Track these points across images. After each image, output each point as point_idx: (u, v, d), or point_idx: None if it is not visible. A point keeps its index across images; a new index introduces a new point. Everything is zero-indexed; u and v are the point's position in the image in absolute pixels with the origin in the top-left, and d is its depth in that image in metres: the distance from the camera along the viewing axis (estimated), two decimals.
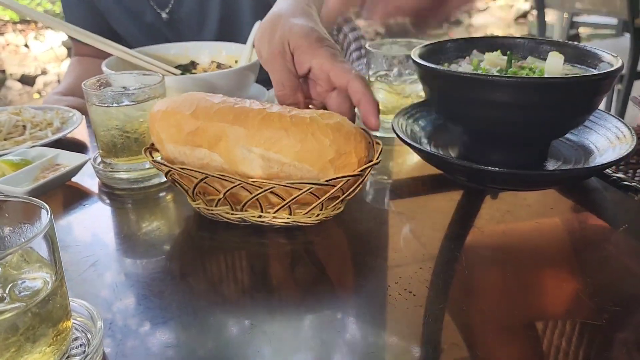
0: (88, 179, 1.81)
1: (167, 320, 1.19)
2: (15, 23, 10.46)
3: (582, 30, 9.21)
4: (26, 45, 10.44)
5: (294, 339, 1.10)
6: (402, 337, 1.07)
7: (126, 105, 1.64)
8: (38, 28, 10.32)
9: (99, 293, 1.29)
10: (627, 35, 4.74)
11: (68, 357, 1.06)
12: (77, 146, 2.08)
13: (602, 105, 1.49)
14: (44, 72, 10.00)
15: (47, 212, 0.96)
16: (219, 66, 2.30)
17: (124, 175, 1.71)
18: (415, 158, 1.87)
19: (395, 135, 1.62)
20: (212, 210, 1.32)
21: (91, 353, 1.03)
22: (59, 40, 9.71)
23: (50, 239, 0.96)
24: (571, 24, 6.82)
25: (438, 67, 1.48)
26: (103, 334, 1.09)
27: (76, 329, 1.12)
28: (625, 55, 4.67)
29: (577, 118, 1.48)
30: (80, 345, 1.09)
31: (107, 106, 1.63)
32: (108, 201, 1.70)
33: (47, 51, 10.50)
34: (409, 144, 1.56)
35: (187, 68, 2.31)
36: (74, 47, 2.45)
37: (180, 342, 1.12)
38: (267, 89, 2.30)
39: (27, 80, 9.94)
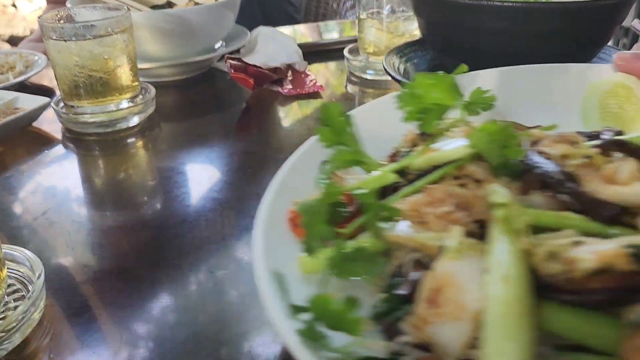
0: (51, 125, 1.67)
1: (122, 271, 1.06)
2: None
3: None
4: (14, 5, 10.16)
5: None
6: None
7: (87, 39, 1.48)
8: None
9: (49, 243, 1.16)
10: None
11: (4, 310, 0.93)
12: (45, 92, 1.92)
13: None
14: (32, 33, 9.75)
15: None
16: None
17: (88, 119, 1.57)
18: None
19: (385, 78, 1.48)
20: None
21: (28, 305, 0.90)
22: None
23: None
24: None
25: None
26: (44, 286, 0.96)
27: (15, 280, 0.99)
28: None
29: (587, 50, 1.33)
30: (22, 297, 0.96)
31: (66, 40, 1.47)
32: (72, 147, 1.56)
33: (35, 11, 10.23)
34: (403, 83, 1.42)
35: (163, 7, 2.14)
36: None
37: (133, 293, 1.00)
38: (250, 30, 2.15)
39: (16, 41, 9.68)
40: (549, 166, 0.77)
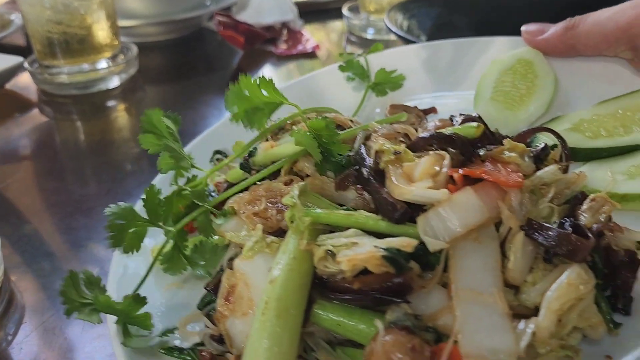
0: (27, 88, 1.56)
1: (92, 240, 1.02)
2: None
3: None
4: None
5: None
6: None
7: None
8: None
9: (14, 213, 1.08)
10: None
11: None
12: (22, 52, 1.79)
13: None
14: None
15: None
16: None
17: (65, 80, 1.46)
18: None
19: (387, 37, 1.39)
20: None
21: None
22: None
23: None
24: None
25: None
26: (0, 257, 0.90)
27: None
28: None
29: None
30: None
31: None
32: (48, 110, 1.45)
33: None
34: (407, 40, 1.35)
35: None
36: None
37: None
38: None
39: None
40: (363, 163, 0.77)
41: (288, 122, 0.91)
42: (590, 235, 0.68)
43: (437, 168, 0.73)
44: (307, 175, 0.84)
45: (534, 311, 0.65)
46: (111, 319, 0.74)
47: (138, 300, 0.75)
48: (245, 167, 0.90)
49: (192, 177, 0.87)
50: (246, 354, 0.64)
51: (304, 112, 0.87)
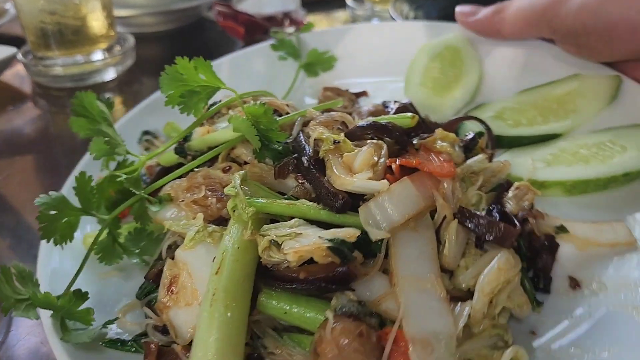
0: (21, 79, 1.54)
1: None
2: None
3: None
4: None
5: None
6: None
7: None
8: None
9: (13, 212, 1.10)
10: None
11: None
12: (17, 43, 1.82)
13: None
14: None
15: None
16: None
17: (60, 72, 1.47)
18: None
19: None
20: None
21: None
22: None
23: None
24: None
25: None
26: None
27: None
28: None
29: None
30: None
31: None
32: (43, 103, 1.48)
33: None
34: None
35: None
36: None
37: None
38: None
39: None
40: (303, 151, 0.78)
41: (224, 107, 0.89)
42: (517, 223, 0.73)
43: (376, 158, 0.75)
44: (245, 162, 0.84)
45: (467, 294, 0.70)
46: (45, 313, 0.71)
47: (79, 295, 0.73)
48: (181, 151, 0.89)
49: (123, 161, 0.84)
50: (195, 345, 0.65)
51: (241, 97, 0.86)
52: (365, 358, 0.61)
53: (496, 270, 0.69)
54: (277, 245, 0.69)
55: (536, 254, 0.77)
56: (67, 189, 0.92)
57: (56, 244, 0.75)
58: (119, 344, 0.74)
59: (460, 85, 1.14)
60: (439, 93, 1.10)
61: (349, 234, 0.67)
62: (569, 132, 0.99)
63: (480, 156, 0.82)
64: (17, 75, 1.56)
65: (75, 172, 0.93)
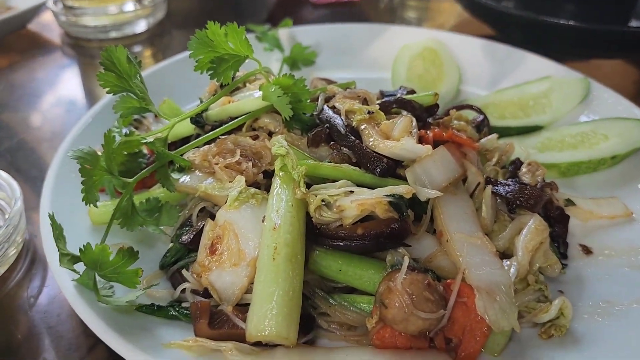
0: (51, 30, 1.51)
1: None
2: None
3: None
4: None
5: None
6: None
7: None
8: None
9: (36, 165, 1.03)
10: None
11: None
12: None
13: None
14: None
15: None
16: None
17: (90, 22, 1.39)
18: (458, 13, 1.50)
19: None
20: None
21: (3, 228, 0.81)
22: None
23: None
24: None
25: None
26: (22, 213, 0.85)
27: None
28: None
29: None
30: None
31: None
32: (71, 54, 1.40)
33: None
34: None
35: None
36: None
37: None
38: None
39: None
40: (336, 121, 0.80)
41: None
42: (540, 190, 0.81)
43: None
44: (270, 132, 0.84)
45: (502, 256, 0.74)
46: (65, 277, 0.68)
47: (131, 254, 0.68)
48: (199, 122, 0.88)
49: (130, 132, 0.80)
50: (257, 302, 0.63)
51: (263, 70, 0.83)
52: (434, 307, 0.64)
53: (534, 229, 0.75)
54: (328, 204, 0.70)
55: (552, 224, 0.82)
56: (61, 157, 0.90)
57: (87, 204, 0.70)
58: (155, 309, 0.71)
59: (444, 82, 1.21)
60: (425, 89, 1.09)
61: (406, 189, 0.69)
62: (549, 126, 1.08)
63: (493, 135, 0.89)
64: (49, 26, 1.49)
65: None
